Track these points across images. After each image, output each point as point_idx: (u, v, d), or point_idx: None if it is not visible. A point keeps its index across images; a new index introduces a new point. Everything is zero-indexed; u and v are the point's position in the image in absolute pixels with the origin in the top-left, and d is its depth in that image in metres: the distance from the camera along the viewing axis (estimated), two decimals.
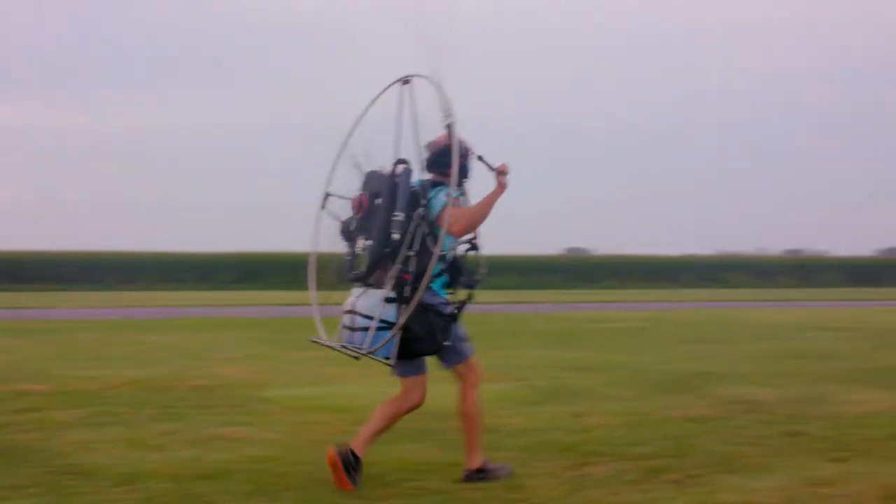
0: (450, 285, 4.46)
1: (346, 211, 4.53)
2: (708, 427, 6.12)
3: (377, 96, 4.68)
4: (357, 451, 4.26)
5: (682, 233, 58.89)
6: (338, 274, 4.53)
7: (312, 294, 4.76)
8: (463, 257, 4.50)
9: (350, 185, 4.58)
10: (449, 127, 4.32)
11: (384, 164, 4.49)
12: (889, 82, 74.63)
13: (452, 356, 4.40)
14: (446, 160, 4.25)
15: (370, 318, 4.19)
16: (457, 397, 4.49)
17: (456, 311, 4.38)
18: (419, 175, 4.51)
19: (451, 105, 4.32)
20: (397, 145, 4.56)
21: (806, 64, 71.30)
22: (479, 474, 4.46)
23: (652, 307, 24.66)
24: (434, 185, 4.42)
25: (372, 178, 4.47)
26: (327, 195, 4.67)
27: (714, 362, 10.09)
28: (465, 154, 4.42)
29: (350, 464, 4.22)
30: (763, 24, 69.13)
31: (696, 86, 71.24)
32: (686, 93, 69.83)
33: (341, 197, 4.59)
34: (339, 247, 4.51)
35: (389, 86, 4.59)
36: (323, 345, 4.53)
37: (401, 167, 4.40)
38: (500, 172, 4.45)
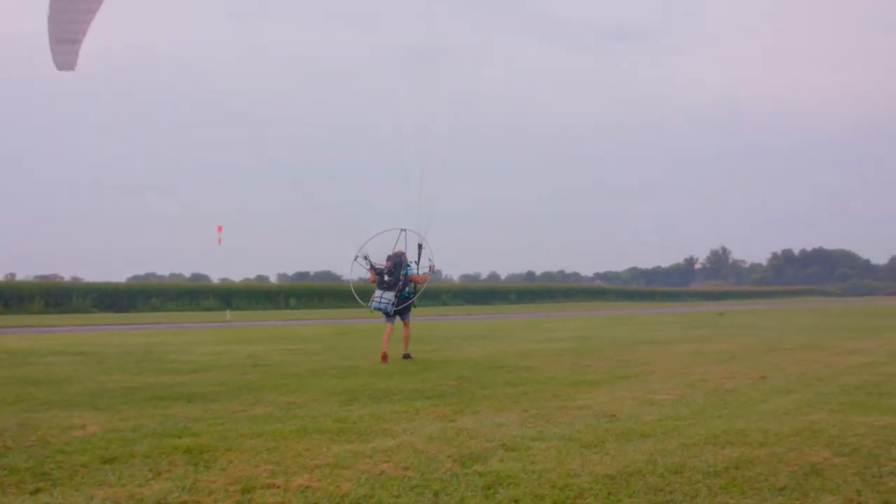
0: (411, 293, 14.74)
1: (367, 266, 14.58)
2: None
3: (381, 232, 14.73)
4: (386, 352, 14.22)
5: None
6: (379, 285, 14.37)
7: (357, 298, 15.69)
8: (411, 286, 14.72)
9: (367, 255, 14.60)
10: (419, 247, 14.81)
11: (394, 253, 14.57)
12: None
13: (406, 315, 14.71)
14: (401, 259, 14.51)
15: (390, 300, 14.24)
16: (402, 332, 14.73)
17: (413, 301, 14.72)
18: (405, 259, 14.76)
19: (426, 244, 14.89)
20: (394, 246, 14.66)
21: None
22: (408, 357, 14.58)
23: None
24: (406, 265, 14.69)
25: (392, 256, 14.46)
26: (356, 257, 14.49)
27: None
28: (401, 261, 14.50)
29: (385, 357, 14.14)
30: None
31: None
32: None
33: (366, 259, 14.52)
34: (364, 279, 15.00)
35: (391, 229, 14.80)
36: (366, 307, 14.72)
37: (403, 255, 14.58)
38: (431, 269, 14.99)
